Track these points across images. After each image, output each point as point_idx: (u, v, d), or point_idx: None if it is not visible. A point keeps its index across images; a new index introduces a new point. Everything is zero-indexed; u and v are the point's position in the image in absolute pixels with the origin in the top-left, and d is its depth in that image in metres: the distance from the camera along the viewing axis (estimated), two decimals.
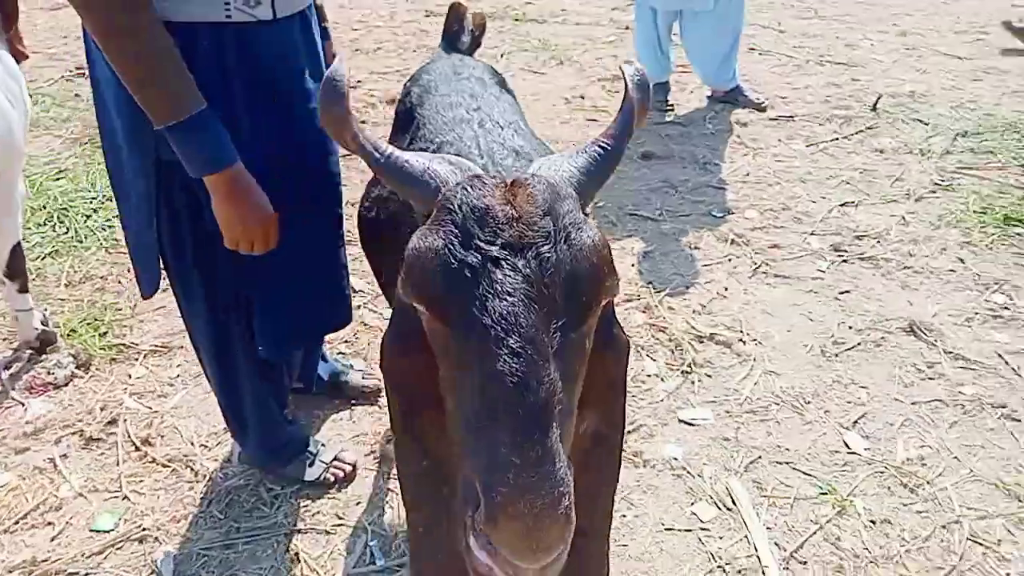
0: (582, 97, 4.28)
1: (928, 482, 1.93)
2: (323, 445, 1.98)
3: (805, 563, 1.74)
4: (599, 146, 0.90)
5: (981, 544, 1.76)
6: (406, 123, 1.62)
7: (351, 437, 2.12)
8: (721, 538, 1.80)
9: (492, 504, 0.64)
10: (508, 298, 0.69)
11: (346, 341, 2.50)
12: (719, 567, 1.73)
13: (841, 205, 3.22)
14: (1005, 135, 3.69)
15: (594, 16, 5.65)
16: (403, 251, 1.41)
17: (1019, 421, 2.12)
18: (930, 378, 2.28)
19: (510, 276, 0.70)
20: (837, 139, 3.76)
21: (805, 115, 4.00)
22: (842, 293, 2.69)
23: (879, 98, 4.05)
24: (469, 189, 0.77)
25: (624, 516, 1.85)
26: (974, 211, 3.11)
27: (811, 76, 4.50)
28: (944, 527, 1.81)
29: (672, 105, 4.10)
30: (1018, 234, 2.97)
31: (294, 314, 1.57)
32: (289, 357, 1.82)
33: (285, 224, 1.41)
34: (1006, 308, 2.60)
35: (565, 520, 0.65)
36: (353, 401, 2.26)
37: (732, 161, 3.60)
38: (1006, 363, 2.33)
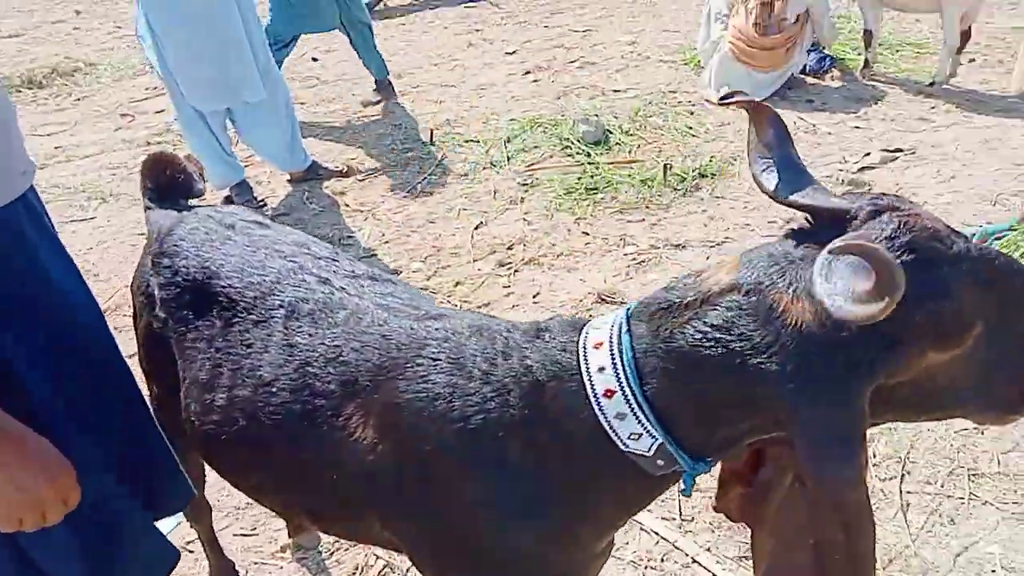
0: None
1: None
2: None
3: None
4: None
5: None
6: (199, 305, 1.30)
7: None
8: None
9: None
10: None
11: None
12: None
13: (475, 228, 3.56)
14: (534, 130, 4.48)
15: (100, 145, 5.02)
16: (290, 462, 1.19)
17: None
18: None
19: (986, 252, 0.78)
20: (426, 177, 4.09)
21: (386, 166, 4.25)
22: (535, 296, 3.01)
23: (432, 132, 4.52)
24: (902, 235, 0.76)
25: None
26: (564, 193, 3.75)
27: (360, 133, 4.76)
28: None
29: (263, 200, 3.95)
30: (602, 198, 3.69)
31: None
32: None
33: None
34: (638, 253, 3.24)
35: None
36: None
37: (360, 229, 3.65)
38: None
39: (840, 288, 0.68)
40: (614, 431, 0.88)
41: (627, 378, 0.86)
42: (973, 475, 2.04)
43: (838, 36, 5.04)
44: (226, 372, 1.25)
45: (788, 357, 0.76)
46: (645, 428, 0.86)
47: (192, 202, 1.58)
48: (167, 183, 1.50)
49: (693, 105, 4.64)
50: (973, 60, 4.83)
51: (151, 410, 1.36)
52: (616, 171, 3.90)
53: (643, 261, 3.18)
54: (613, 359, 0.87)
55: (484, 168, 4.14)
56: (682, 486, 0.91)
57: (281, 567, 2.02)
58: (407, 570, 1.98)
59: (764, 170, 0.86)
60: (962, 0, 4.22)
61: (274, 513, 1.51)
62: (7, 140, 1.05)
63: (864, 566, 0.82)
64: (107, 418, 1.22)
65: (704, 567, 1.91)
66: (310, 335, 1.19)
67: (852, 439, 0.74)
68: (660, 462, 0.87)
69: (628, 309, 0.91)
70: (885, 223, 0.77)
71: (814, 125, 4.23)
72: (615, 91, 4.96)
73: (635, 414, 0.86)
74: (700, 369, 0.82)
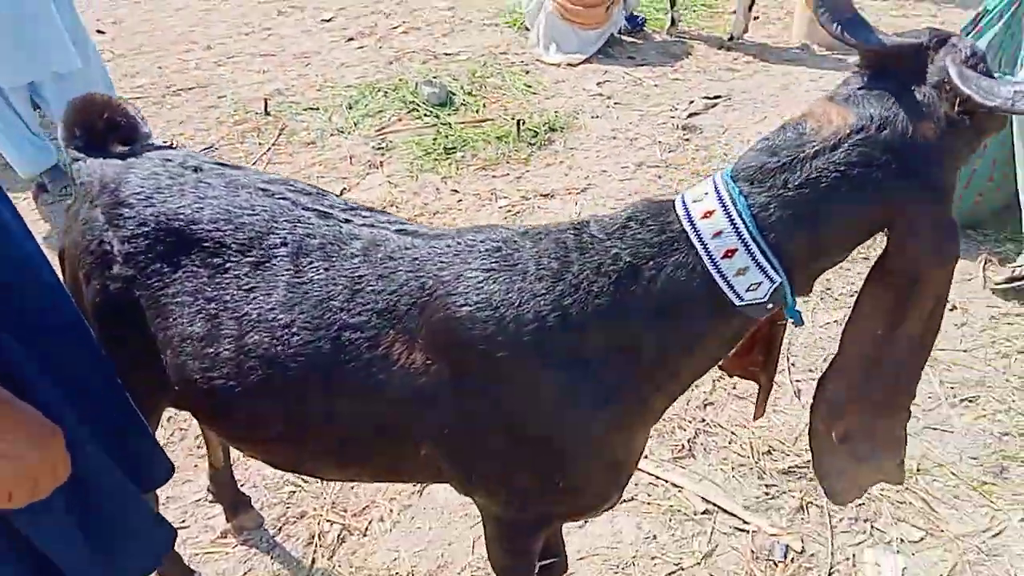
0: None
1: None
2: None
3: None
4: None
5: None
6: (177, 254, 1.19)
7: None
8: None
9: None
10: None
11: None
12: None
13: (340, 193, 3.43)
14: (375, 95, 4.38)
15: None
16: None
17: None
18: None
19: None
20: (270, 147, 3.87)
21: (222, 140, 3.96)
22: None
23: (266, 101, 4.26)
24: (977, 52, 0.90)
25: None
26: (424, 155, 3.73)
27: (182, 107, 4.37)
28: None
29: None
30: (462, 156, 3.73)
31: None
32: None
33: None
34: (511, 205, 3.33)
35: None
36: None
37: None
38: None
39: (1006, 92, 0.84)
40: (732, 288, 0.95)
41: (750, 234, 0.93)
42: None
43: (640, 1, 5.43)
44: (227, 322, 1.16)
45: (920, 171, 0.91)
46: (767, 274, 0.94)
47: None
48: (103, 129, 1.34)
49: (527, 65, 4.78)
50: (757, 17, 5.43)
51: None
52: (469, 130, 3.95)
53: (518, 212, 3.28)
54: (732, 221, 0.94)
55: (332, 135, 3.99)
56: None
57: (228, 553, 1.88)
58: (365, 530, 1.94)
59: (841, 28, 0.96)
60: None
61: (285, 471, 1.41)
62: None
63: (934, 336, 1.01)
64: (85, 386, 1.09)
65: (644, 471, 2.07)
66: (326, 269, 1.14)
67: (955, 218, 0.93)
68: (770, 305, 0.97)
69: (726, 175, 0.98)
70: (958, 46, 0.92)
71: (640, 79, 4.55)
72: (447, 54, 4.97)
73: (758, 264, 0.94)
74: (832, 207, 0.93)
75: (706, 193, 0.98)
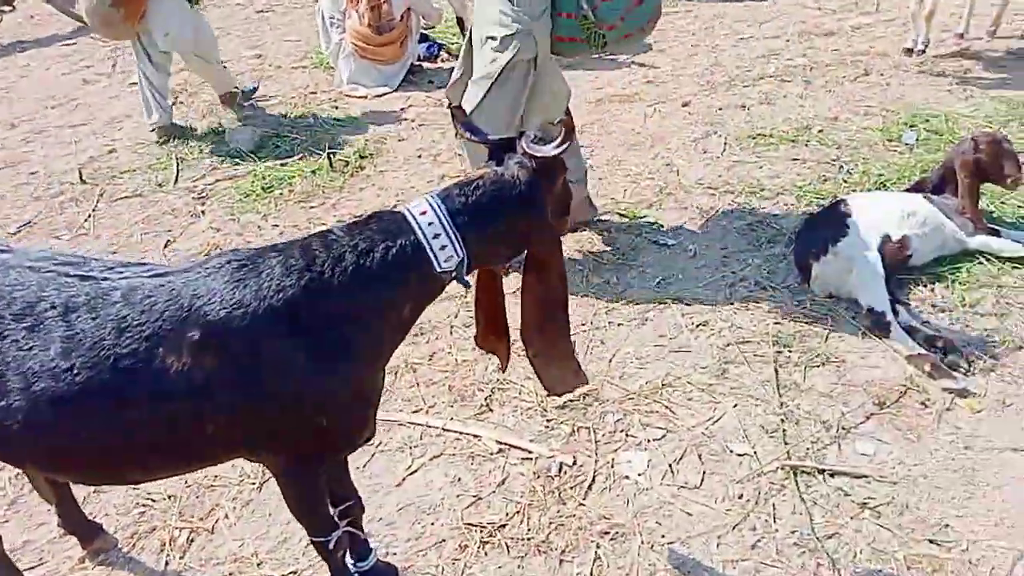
0: None
1: None
2: None
3: None
4: None
5: None
6: None
7: None
8: None
9: None
10: None
11: None
12: None
13: (164, 247, 3.64)
14: (190, 147, 4.58)
15: None
16: None
17: None
18: None
19: None
20: (90, 216, 4.00)
21: (40, 215, 4.04)
22: None
23: (80, 171, 4.37)
24: None
25: None
26: (243, 197, 3.98)
27: None
28: None
29: None
30: (280, 194, 4.01)
31: None
32: None
33: None
34: None
35: None
36: None
37: None
38: None
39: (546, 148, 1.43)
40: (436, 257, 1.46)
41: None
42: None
43: (442, 13, 5.77)
44: (13, 378, 1.41)
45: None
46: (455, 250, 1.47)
47: None
48: None
49: (335, 101, 5.13)
50: None
51: None
52: (285, 169, 4.24)
53: None
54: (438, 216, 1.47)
55: (152, 192, 4.17)
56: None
57: (87, 575, 2.10)
58: (212, 528, 2.21)
59: (468, 132, 1.62)
60: None
61: (92, 484, 1.65)
62: None
63: (566, 293, 1.60)
64: None
65: (451, 430, 2.46)
66: (94, 319, 1.43)
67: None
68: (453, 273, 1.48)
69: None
70: (528, 134, 1.78)
71: (440, 100, 4.99)
72: (260, 99, 5.23)
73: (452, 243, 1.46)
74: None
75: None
